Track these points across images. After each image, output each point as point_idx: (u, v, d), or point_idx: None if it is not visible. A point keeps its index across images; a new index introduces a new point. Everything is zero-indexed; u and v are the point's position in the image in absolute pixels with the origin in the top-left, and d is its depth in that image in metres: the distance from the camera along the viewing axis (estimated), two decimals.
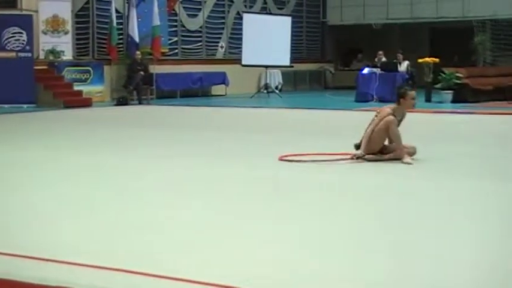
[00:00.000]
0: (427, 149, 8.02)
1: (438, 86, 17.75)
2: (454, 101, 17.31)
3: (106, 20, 19.21)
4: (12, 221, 4.98)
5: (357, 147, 7.56)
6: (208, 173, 7.14)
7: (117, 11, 19.40)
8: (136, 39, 19.14)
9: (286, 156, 7.61)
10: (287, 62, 22.45)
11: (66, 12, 18.45)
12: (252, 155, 8.57)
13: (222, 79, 21.97)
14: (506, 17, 22.33)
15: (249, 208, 5.43)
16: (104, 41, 19.33)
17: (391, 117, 7.48)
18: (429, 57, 18.61)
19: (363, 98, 18.05)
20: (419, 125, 12.35)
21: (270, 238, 4.47)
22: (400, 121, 7.71)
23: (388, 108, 7.72)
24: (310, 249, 4.20)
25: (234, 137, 10.81)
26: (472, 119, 13.93)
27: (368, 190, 6.17)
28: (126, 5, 19.83)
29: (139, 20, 19.37)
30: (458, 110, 15.31)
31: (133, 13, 19.20)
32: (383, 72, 18.29)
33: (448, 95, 17.52)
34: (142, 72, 18.48)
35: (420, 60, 18.46)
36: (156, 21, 19.46)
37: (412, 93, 7.73)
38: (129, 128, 12.47)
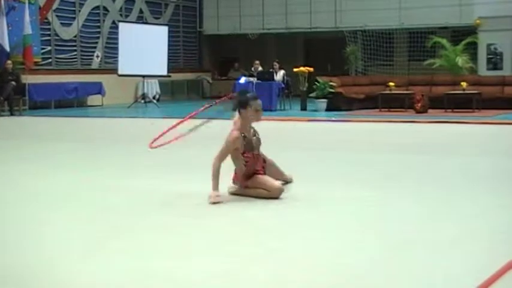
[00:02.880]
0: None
1: (313, 94, 18.18)
2: (328, 109, 17.78)
3: None
4: None
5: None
6: (74, 184, 6.98)
7: None
8: (7, 48, 18.49)
9: (153, 142, 6.85)
10: (164, 72, 22.36)
11: None
12: (117, 164, 8.45)
13: (98, 89, 21.59)
14: (375, 28, 23.22)
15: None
16: None
17: (235, 133, 6.00)
18: (304, 66, 19.03)
19: None
20: (295, 133, 12.61)
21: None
22: (256, 143, 6.14)
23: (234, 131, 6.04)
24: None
25: (108, 147, 10.64)
26: (347, 126, 14.33)
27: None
28: None
29: (10, 28, 18.74)
30: (333, 119, 15.72)
31: (3, 21, 18.53)
32: (259, 81, 18.52)
33: (323, 103, 17.97)
34: (13, 82, 17.86)
35: (295, 70, 18.85)
36: (28, 30, 18.89)
37: (257, 103, 6.03)
38: None
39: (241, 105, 6.02)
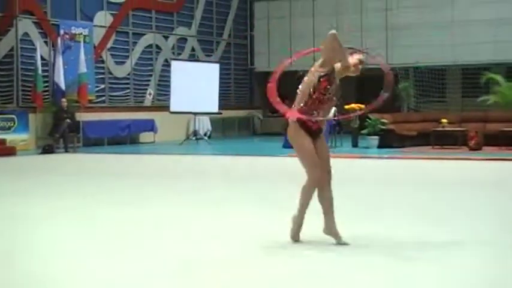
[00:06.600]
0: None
1: (364, 131, 18.03)
2: (380, 146, 17.59)
3: (31, 67, 18.88)
4: None
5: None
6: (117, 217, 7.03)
7: (42, 58, 19.14)
8: (63, 87, 18.87)
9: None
10: (215, 109, 22.49)
11: None
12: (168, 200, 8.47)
13: (150, 126, 21.83)
14: (428, 64, 22.99)
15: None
16: (29, 89, 18.96)
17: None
18: (355, 103, 18.91)
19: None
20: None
21: None
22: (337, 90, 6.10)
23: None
24: None
25: (157, 183, 10.68)
26: (397, 163, 14.16)
27: None
28: (52, 52, 19.60)
29: (66, 67, 19.15)
30: (385, 156, 15.57)
31: (59, 60, 18.97)
32: None
33: (374, 140, 17.80)
34: (68, 120, 18.17)
35: (347, 107, 18.72)
36: (83, 69, 19.30)
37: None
38: (51, 177, 12.22)
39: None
